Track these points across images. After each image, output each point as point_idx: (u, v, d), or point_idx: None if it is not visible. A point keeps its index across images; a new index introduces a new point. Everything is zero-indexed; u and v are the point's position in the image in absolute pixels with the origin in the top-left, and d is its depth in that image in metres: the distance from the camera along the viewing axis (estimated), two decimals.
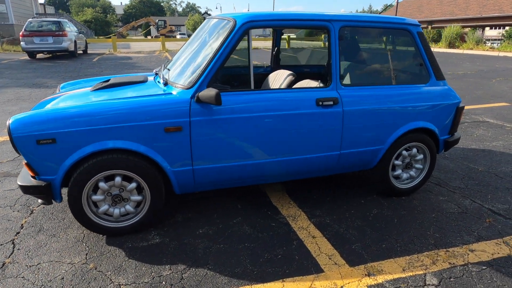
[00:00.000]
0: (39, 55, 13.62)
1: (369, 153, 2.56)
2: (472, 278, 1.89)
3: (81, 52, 15.73)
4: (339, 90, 2.40)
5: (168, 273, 1.87)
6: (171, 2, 66.87)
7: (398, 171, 2.74)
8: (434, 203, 2.72)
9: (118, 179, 2.06)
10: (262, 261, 2.00)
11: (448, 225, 2.42)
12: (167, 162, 2.11)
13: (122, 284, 1.78)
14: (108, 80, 2.64)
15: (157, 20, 47.92)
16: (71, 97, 2.36)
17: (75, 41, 13.59)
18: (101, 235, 2.19)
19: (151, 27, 48.53)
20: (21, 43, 12.28)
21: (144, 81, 2.57)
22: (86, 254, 2.01)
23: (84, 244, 2.11)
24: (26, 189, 1.98)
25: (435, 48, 20.90)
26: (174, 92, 2.16)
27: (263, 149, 2.27)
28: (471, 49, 19.25)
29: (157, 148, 2.06)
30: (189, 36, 52.19)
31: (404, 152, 2.69)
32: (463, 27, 22.29)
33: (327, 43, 2.36)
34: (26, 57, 13.20)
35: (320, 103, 2.31)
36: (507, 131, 4.61)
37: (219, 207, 2.58)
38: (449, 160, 3.60)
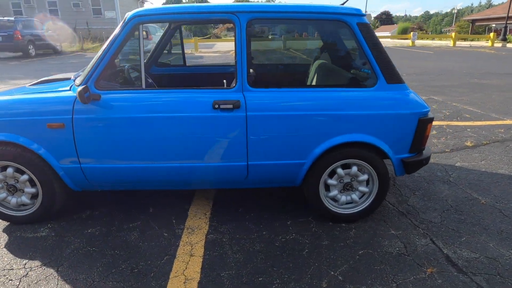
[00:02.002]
0: None
1: (287, 167, 2.17)
2: None
3: (166, 52, 17.23)
4: (246, 92, 2.09)
5: (18, 268, 1.88)
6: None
7: (334, 192, 2.27)
8: (375, 237, 2.17)
9: (9, 170, 2.17)
10: (114, 271, 1.86)
11: (368, 268, 1.90)
12: (54, 158, 2.13)
13: None
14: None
15: None
16: (8, 91, 2.56)
17: None
18: (5, 222, 2.33)
19: None
20: None
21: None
22: None
23: None
24: None
25: None
26: (71, 90, 2.16)
27: (152, 153, 2.11)
28: None
29: (43, 143, 2.10)
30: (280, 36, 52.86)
31: (340, 171, 2.21)
32: None
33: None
34: None
35: (217, 106, 2.04)
36: None
37: (130, 208, 2.50)
38: (449, 185, 2.84)
